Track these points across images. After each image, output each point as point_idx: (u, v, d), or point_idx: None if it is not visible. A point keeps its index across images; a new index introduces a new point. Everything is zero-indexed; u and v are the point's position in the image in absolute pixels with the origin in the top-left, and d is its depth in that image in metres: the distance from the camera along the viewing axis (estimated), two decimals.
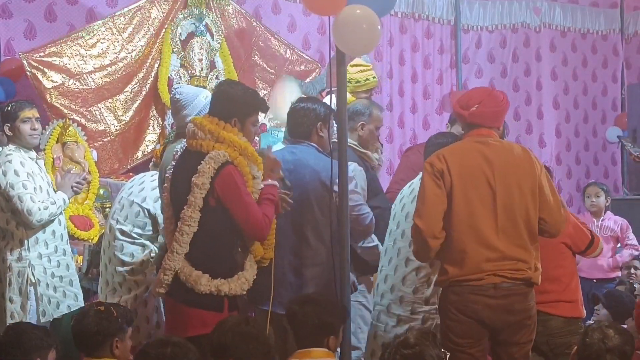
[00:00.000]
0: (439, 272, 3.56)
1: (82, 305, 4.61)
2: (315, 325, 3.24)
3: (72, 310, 4.44)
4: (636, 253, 6.04)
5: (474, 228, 3.44)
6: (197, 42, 6.03)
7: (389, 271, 3.98)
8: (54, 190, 4.47)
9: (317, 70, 6.68)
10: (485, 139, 3.58)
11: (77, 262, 5.06)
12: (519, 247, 3.49)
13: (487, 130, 3.60)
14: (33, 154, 4.47)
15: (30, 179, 4.29)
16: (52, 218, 4.32)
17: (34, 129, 4.41)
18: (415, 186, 3.95)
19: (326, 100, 5.35)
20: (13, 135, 4.37)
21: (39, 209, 4.22)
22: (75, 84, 5.63)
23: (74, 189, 4.55)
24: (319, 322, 3.24)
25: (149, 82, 5.96)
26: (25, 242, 4.30)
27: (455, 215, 3.45)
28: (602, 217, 6.16)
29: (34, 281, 4.29)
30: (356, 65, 5.22)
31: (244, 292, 3.52)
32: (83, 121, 5.64)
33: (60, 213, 4.43)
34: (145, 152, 5.95)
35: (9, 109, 4.40)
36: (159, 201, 4.15)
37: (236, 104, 3.54)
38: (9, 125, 4.36)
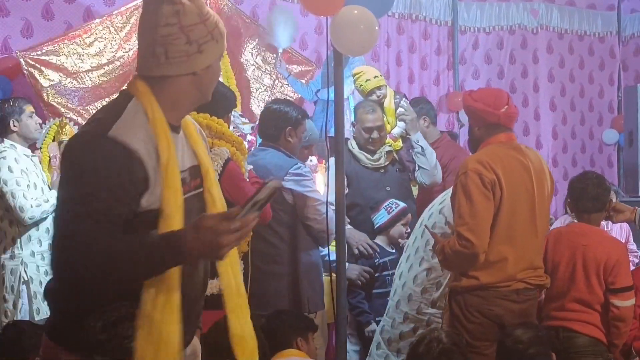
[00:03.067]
0: (463, 277, 3.46)
1: None
2: (284, 333, 3.33)
3: None
4: (636, 260, 5.99)
5: (512, 238, 3.41)
6: None
7: (404, 268, 4.01)
8: (49, 188, 4.47)
9: (313, 70, 6.68)
10: (516, 144, 3.55)
11: None
12: (540, 254, 3.56)
13: (510, 133, 3.55)
14: (29, 151, 4.48)
15: (24, 175, 4.30)
16: (44, 216, 4.33)
17: (37, 123, 4.49)
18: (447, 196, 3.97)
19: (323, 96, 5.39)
20: (18, 130, 4.40)
21: (31, 207, 4.23)
22: (72, 82, 5.62)
23: None
24: (284, 328, 3.36)
25: None
26: (18, 240, 4.31)
27: (498, 226, 3.38)
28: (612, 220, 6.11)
29: (26, 279, 4.30)
30: (358, 74, 5.22)
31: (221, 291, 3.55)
32: (80, 120, 5.62)
33: (54, 211, 4.43)
34: None
35: (12, 104, 4.43)
36: None
37: (225, 99, 3.58)
38: (15, 119, 4.39)
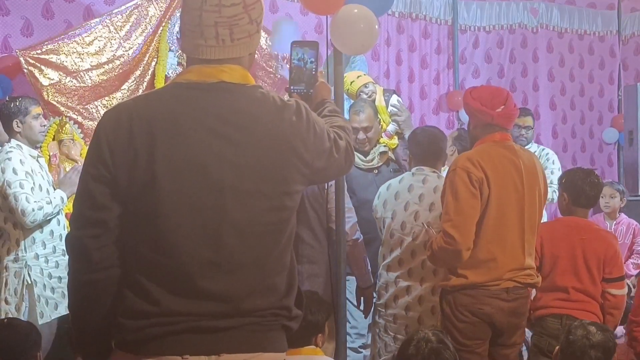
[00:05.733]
0: (452, 276, 3.48)
1: None
2: (302, 328, 3.24)
3: None
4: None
5: (502, 238, 3.43)
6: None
7: (412, 282, 3.92)
8: (54, 189, 4.44)
9: None
10: (510, 144, 3.55)
11: None
12: (531, 255, 3.58)
13: (506, 133, 3.56)
14: (35, 152, 4.45)
15: (29, 178, 4.26)
16: (47, 218, 4.28)
17: (43, 125, 4.43)
18: (421, 190, 3.94)
19: None
20: (22, 131, 4.35)
21: (33, 210, 4.18)
22: (72, 81, 5.62)
23: None
24: (305, 324, 3.25)
25: (145, 80, 5.95)
26: (22, 242, 4.27)
27: (486, 224, 3.41)
28: (616, 220, 6.13)
29: (30, 282, 4.25)
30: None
31: None
32: (80, 119, 5.63)
33: (58, 212, 4.37)
34: None
35: (18, 104, 4.38)
36: None
37: None
38: (18, 120, 4.34)
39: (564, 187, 4.02)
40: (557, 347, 3.26)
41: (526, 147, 5.68)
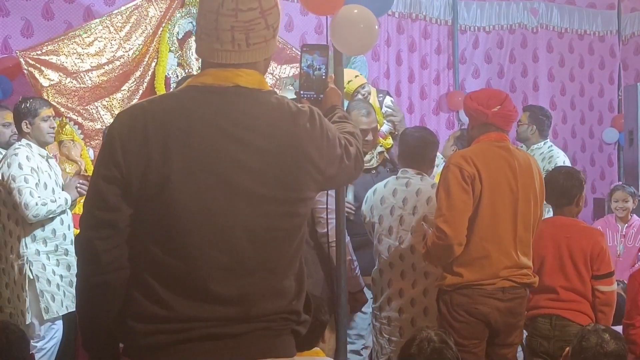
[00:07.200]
0: (448, 274, 3.49)
1: None
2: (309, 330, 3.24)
3: (69, 311, 4.42)
4: None
5: (496, 235, 3.44)
6: (194, 41, 6.03)
7: (404, 285, 3.92)
8: (61, 189, 4.47)
9: None
10: (505, 144, 3.56)
11: None
12: (527, 255, 3.57)
13: (502, 134, 3.57)
14: (44, 152, 4.48)
15: (34, 174, 4.30)
16: (50, 215, 4.31)
17: (52, 127, 4.47)
18: (404, 194, 3.94)
19: None
20: (30, 132, 4.40)
21: (36, 204, 4.21)
22: (72, 82, 5.62)
23: (79, 189, 4.53)
24: (313, 326, 3.24)
25: (145, 80, 5.96)
26: (23, 239, 4.31)
27: (480, 221, 3.42)
28: (628, 223, 6.09)
29: (32, 277, 4.29)
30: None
31: None
32: (80, 120, 5.64)
33: (62, 212, 4.41)
34: None
35: (28, 105, 4.41)
36: None
37: None
38: (27, 121, 4.38)
39: (546, 190, 4.01)
40: (568, 349, 3.24)
41: (535, 145, 5.69)
